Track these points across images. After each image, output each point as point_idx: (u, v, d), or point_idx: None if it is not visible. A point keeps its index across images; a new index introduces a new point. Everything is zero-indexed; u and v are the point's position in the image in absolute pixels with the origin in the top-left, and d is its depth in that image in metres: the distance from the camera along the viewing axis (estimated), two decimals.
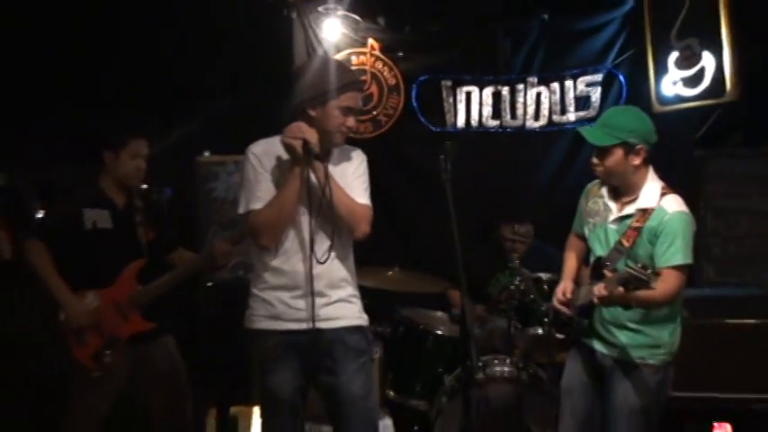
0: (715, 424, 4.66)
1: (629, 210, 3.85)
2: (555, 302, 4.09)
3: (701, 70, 5.83)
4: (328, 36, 6.37)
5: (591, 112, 6.36)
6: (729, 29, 5.70)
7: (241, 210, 3.71)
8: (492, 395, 4.87)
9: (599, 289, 3.60)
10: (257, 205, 3.65)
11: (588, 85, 6.41)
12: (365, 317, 3.84)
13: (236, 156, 5.92)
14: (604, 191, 4.01)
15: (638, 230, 3.78)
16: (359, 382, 3.71)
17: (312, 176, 3.58)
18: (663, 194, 3.82)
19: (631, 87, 6.32)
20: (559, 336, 4.37)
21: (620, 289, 3.48)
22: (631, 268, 3.42)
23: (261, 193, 3.66)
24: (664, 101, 6.04)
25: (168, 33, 6.28)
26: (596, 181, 4.10)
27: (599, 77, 6.40)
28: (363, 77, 6.40)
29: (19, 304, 5.32)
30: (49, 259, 4.29)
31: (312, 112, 3.61)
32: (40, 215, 5.44)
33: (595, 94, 6.39)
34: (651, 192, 3.83)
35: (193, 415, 4.68)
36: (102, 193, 4.43)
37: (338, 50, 6.43)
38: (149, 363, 4.45)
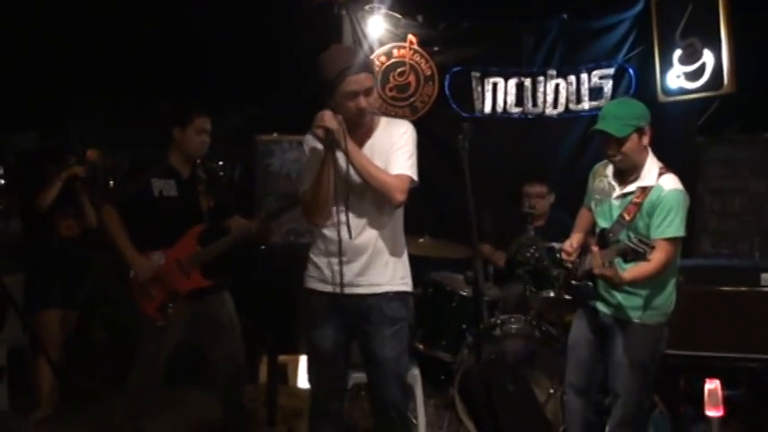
0: (707, 379, 4.52)
1: (631, 188, 3.77)
2: (563, 255, 4.01)
3: (702, 66, 5.75)
4: (372, 31, 6.33)
5: (603, 102, 6.22)
6: (728, 29, 5.62)
7: (301, 190, 3.68)
8: (508, 349, 4.79)
9: (598, 255, 3.53)
10: (305, 188, 3.61)
11: (601, 77, 6.31)
12: (408, 282, 3.68)
13: (289, 136, 5.88)
14: (609, 171, 3.93)
15: (639, 206, 3.71)
16: (390, 346, 3.58)
17: (342, 158, 3.45)
18: (661, 174, 3.74)
19: (640, 80, 6.20)
20: (567, 297, 4.32)
21: (615, 269, 3.49)
22: (630, 241, 3.38)
23: (308, 178, 3.61)
24: (668, 92, 5.96)
25: (236, 31, 6.27)
26: (603, 162, 4.00)
27: (611, 71, 6.28)
28: (402, 68, 6.36)
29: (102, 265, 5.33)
30: (120, 223, 4.26)
31: (330, 103, 3.46)
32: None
33: (607, 86, 6.29)
34: (651, 171, 3.75)
35: (247, 362, 4.65)
36: (169, 165, 4.38)
37: (381, 44, 6.38)
38: (207, 315, 4.40)
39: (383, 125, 3.65)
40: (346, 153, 3.41)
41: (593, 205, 4.04)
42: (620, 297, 3.80)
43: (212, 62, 6.58)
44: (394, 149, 3.56)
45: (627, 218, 3.72)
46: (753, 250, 5.39)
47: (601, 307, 3.91)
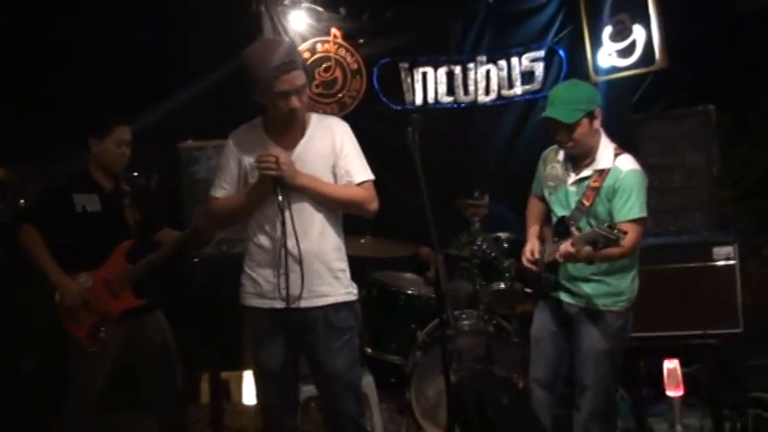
0: (665, 359, 4.46)
1: (587, 172, 3.66)
2: (524, 261, 3.86)
3: (633, 42, 5.72)
4: (294, 26, 6.09)
5: (535, 86, 6.18)
6: (656, 4, 5.58)
7: (210, 192, 3.49)
8: (463, 347, 4.65)
9: (566, 246, 3.41)
10: (216, 193, 3.46)
11: (532, 60, 6.21)
12: (353, 290, 3.51)
13: (214, 141, 5.63)
14: (561, 156, 3.81)
15: (597, 190, 3.60)
16: (341, 358, 3.42)
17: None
18: (616, 155, 3.66)
19: (571, 61, 6.13)
20: (527, 290, 4.20)
21: (588, 248, 3.34)
22: (600, 229, 3.26)
23: (223, 183, 3.46)
24: (600, 71, 5.90)
25: (144, 27, 6.00)
26: (553, 147, 3.87)
27: (541, 53, 6.19)
28: (327, 64, 6.13)
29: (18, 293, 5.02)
30: (41, 243, 3.96)
31: (262, 101, 3.32)
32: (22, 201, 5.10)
33: (539, 69, 6.19)
34: (606, 153, 3.66)
35: (187, 381, 4.43)
36: (90, 178, 4.11)
37: (304, 40, 6.14)
38: (141, 336, 4.17)
39: (315, 123, 3.49)
40: (304, 189, 3.32)
41: (546, 193, 3.91)
42: (588, 288, 3.70)
43: (122, 63, 6.26)
44: (340, 155, 3.45)
45: (586, 204, 3.61)
46: (696, 225, 5.37)
47: (565, 297, 3.80)
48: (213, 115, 5.91)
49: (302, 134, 3.42)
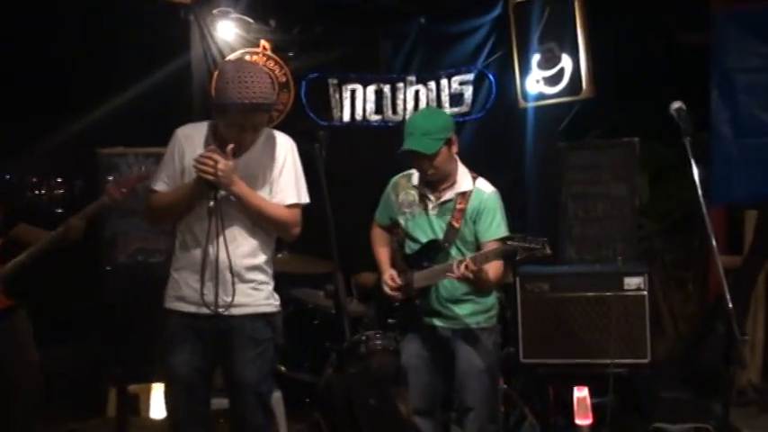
0: (575, 388, 4.64)
1: (449, 195, 3.88)
2: (387, 291, 4.02)
3: (561, 70, 5.89)
4: (223, 36, 6.21)
5: (464, 108, 6.34)
6: (584, 34, 5.78)
7: (150, 184, 3.58)
8: (373, 366, 4.74)
9: (466, 264, 3.57)
10: (156, 186, 3.52)
11: (461, 83, 6.38)
12: (274, 303, 3.60)
13: (135, 148, 5.68)
14: (415, 181, 3.99)
15: (463, 212, 3.82)
16: (253, 370, 3.49)
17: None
18: (474, 178, 3.91)
19: (500, 85, 6.30)
20: (390, 321, 4.25)
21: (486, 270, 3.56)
22: (522, 240, 3.50)
23: (164, 177, 3.52)
24: (528, 98, 6.07)
25: (70, 33, 6.04)
26: (403, 174, 4.09)
27: (471, 77, 6.37)
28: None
29: None
30: None
31: (217, 116, 3.42)
32: None
33: (468, 92, 6.37)
34: (465, 177, 3.90)
35: (93, 394, 4.47)
36: None
37: (232, 50, 6.26)
38: (9, 336, 4.23)
39: (263, 139, 3.55)
40: (237, 197, 3.37)
41: (401, 221, 4.06)
42: (459, 309, 3.91)
43: (49, 69, 6.29)
44: (278, 173, 3.52)
45: (457, 225, 3.84)
46: (616, 255, 5.54)
47: (437, 322, 3.97)
48: (142, 123, 6.00)
49: (246, 149, 3.47)
